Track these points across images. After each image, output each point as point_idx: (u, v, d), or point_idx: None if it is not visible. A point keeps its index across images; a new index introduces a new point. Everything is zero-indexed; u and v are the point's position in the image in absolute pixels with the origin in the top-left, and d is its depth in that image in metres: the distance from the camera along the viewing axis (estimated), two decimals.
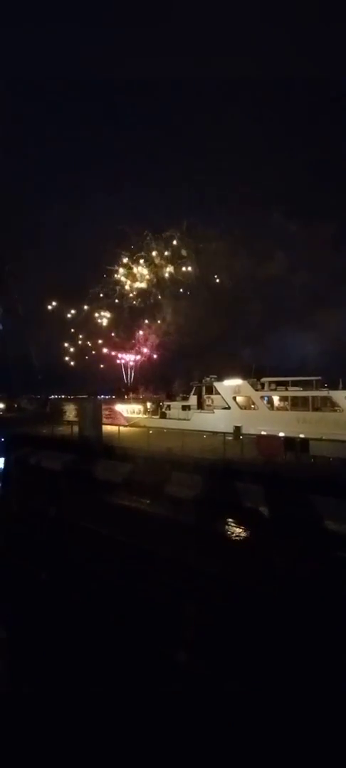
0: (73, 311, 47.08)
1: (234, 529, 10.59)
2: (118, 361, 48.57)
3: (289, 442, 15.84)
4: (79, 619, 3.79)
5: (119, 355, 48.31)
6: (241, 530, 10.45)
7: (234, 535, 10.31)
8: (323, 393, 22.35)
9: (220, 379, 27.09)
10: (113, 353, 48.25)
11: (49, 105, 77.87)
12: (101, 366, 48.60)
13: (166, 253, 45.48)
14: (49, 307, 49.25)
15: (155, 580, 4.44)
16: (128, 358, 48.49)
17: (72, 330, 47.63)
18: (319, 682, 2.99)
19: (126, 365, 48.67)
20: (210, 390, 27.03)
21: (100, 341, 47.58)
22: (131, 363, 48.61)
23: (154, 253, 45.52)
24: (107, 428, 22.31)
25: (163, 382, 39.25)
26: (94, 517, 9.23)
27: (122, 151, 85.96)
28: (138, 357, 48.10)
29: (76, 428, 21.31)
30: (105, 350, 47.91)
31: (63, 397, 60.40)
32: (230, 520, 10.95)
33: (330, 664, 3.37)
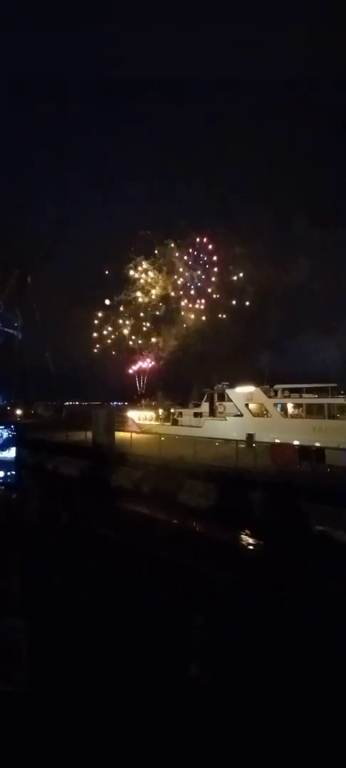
0: (91, 319, 48.28)
1: (246, 539, 10.41)
2: (133, 368, 49.05)
3: (304, 450, 15.47)
4: (89, 622, 3.89)
5: (138, 361, 48.72)
6: (253, 541, 10.26)
7: (245, 545, 10.14)
8: (340, 400, 21.70)
9: (232, 385, 26.88)
10: (131, 359, 48.84)
11: (61, 109, 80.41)
12: (117, 372, 49.36)
13: (185, 258, 45.87)
14: (67, 316, 50.81)
15: (164, 588, 4.48)
16: (146, 365, 48.75)
17: (90, 336, 48.85)
18: (333, 698, 2.93)
19: (142, 371, 49.00)
20: (222, 397, 26.86)
21: (116, 347, 48.36)
22: (148, 368, 48.82)
23: (174, 259, 46.07)
24: (120, 435, 22.60)
25: (181, 388, 39.24)
26: (104, 522, 9.37)
27: (142, 157, 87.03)
28: (155, 362, 48.31)
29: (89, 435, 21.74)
30: (123, 356, 48.59)
31: (77, 403, 61.79)
32: (242, 530, 10.78)
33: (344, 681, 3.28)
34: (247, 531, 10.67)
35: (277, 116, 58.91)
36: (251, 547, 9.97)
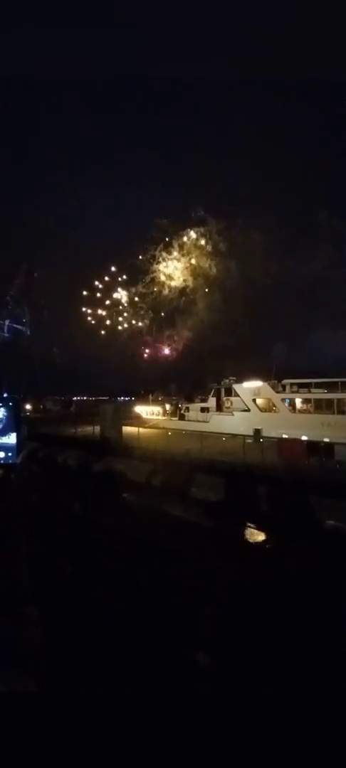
0: (102, 313, 48.28)
1: (252, 533, 10.42)
2: (145, 356, 48.79)
3: (312, 446, 15.31)
4: (97, 614, 3.96)
5: (150, 352, 48.47)
6: (259, 535, 10.26)
7: (252, 539, 10.15)
8: None
9: (241, 380, 26.64)
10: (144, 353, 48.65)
11: (68, 104, 79.45)
12: (126, 367, 49.37)
13: (203, 245, 45.20)
14: (74, 311, 51.01)
15: (170, 579, 4.54)
16: (160, 354, 48.24)
17: (100, 332, 49.01)
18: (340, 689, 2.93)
19: (155, 363, 48.68)
20: (229, 392, 26.70)
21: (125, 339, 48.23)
22: (161, 360, 48.46)
23: (188, 249, 45.49)
24: (127, 429, 22.78)
25: (194, 381, 38.94)
26: (112, 513, 9.52)
27: (157, 146, 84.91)
28: (170, 354, 47.98)
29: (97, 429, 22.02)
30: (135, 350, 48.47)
31: (85, 398, 62.52)
32: (248, 523, 10.79)
33: None
34: (254, 525, 10.67)
35: (296, 108, 56.45)
36: (257, 541, 9.98)
